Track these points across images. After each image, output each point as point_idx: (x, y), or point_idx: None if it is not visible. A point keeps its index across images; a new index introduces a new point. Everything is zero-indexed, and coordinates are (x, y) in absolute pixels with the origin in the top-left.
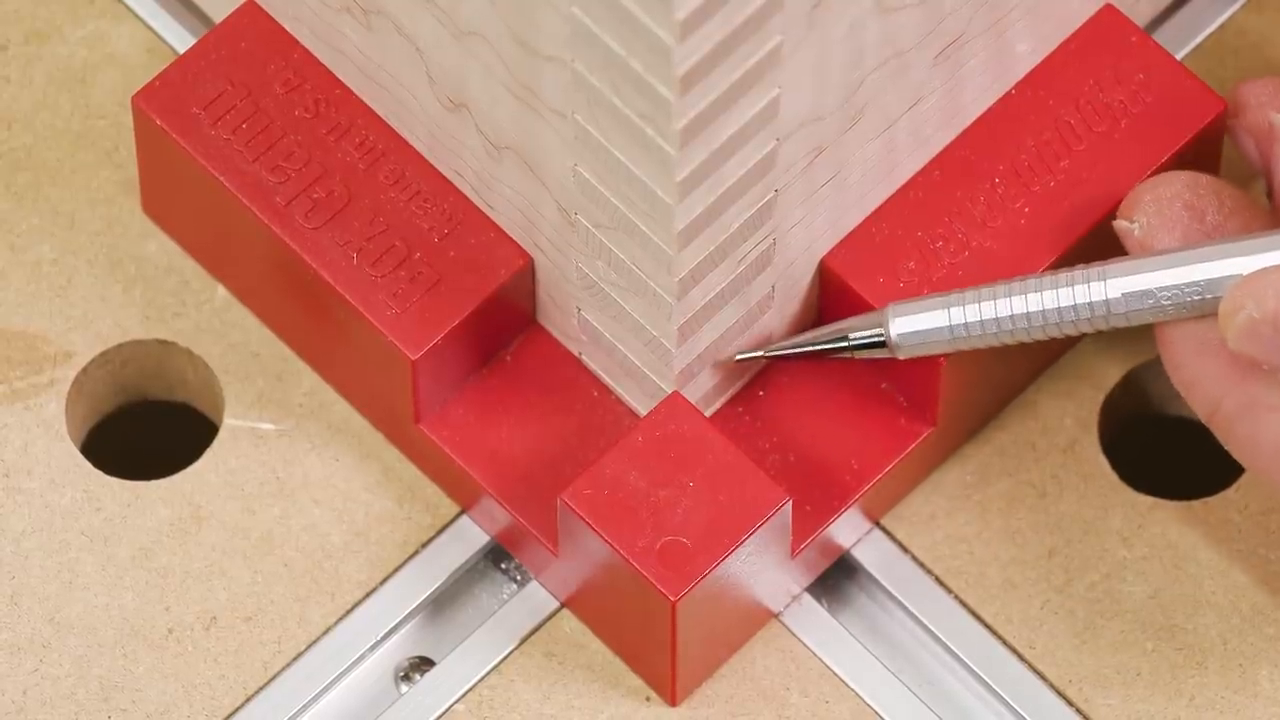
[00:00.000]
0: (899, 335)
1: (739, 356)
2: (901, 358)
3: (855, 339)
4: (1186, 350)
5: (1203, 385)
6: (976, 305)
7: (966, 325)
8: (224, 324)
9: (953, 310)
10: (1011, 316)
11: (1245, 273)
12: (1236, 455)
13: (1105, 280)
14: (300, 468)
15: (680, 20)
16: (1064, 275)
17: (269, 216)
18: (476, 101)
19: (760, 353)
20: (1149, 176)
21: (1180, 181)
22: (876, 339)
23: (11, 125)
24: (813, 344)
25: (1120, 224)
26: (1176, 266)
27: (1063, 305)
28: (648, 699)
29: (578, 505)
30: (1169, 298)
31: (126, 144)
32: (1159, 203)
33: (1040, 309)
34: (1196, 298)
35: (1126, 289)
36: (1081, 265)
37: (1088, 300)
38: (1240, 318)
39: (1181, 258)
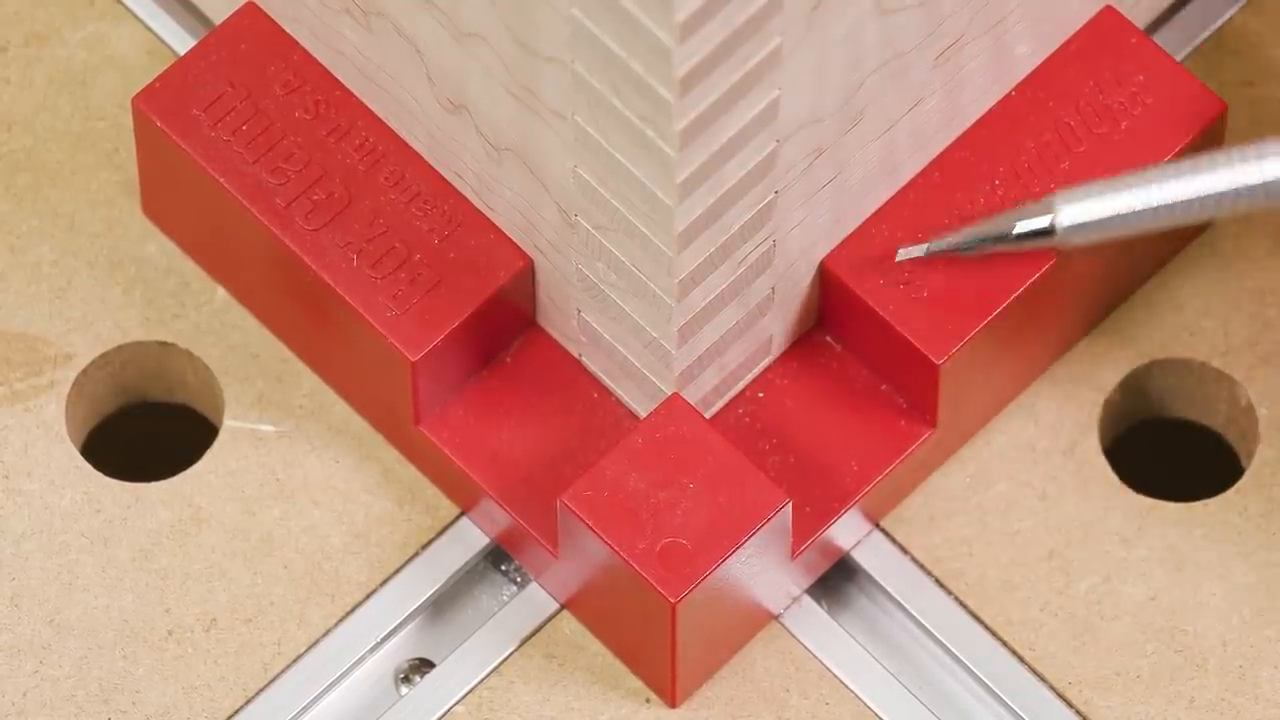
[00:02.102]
0: (1066, 226)
1: (901, 254)
2: (1065, 248)
3: (1021, 230)
4: None
5: None
6: (1143, 190)
7: (1134, 213)
8: (224, 325)
9: (1120, 197)
10: (1172, 205)
11: None
12: None
13: (1262, 161)
14: (300, 469)
15: (680, 22)
16: (1222, 156)
17: (269, 218)
18: (476, 103)
19: (924, 248)
20: None
21: None
22: (1042, 229)
23: (11, 127)
24: (977, 238)
25: None
26: None
27: (1223, 189)
28: (648, 701)
29: (577, 507)
30: None
31: (126, 146)
32: None
33: (1200, 194)
34: None
35: None
36: (1238, 147)
37: (1249, 183)
38: None
39: None
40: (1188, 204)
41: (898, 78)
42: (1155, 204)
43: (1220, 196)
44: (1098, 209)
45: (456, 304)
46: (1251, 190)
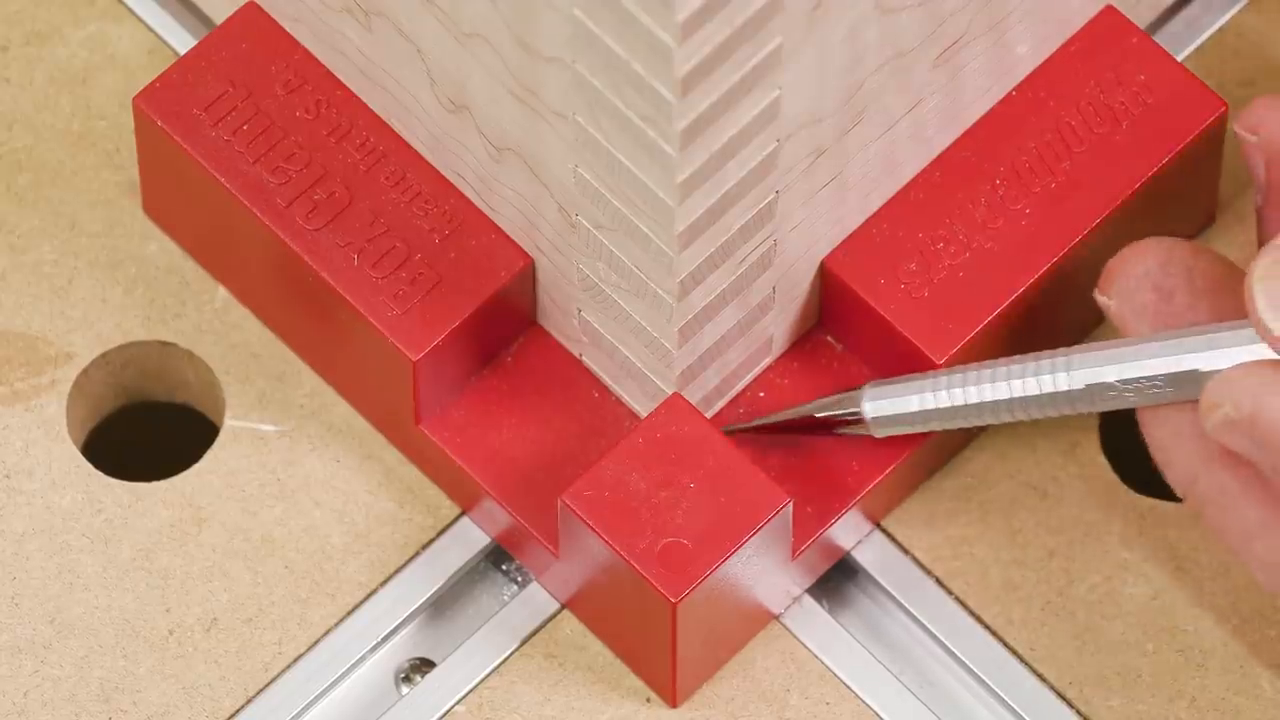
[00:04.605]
0: (874, 418)
1: (725, 429)
2: (878, 436)
3: (836, 415)
4: (1164, 433)
5: (1178, 465)
6: (948, 391)
7: (938, 411)
8: (225, 325)
9: (925, 396)
10: (980, 405)
11: (1207, 368)
12: (1208, 531)
13: (1070, 371)
14: (301, 469)
15: (681, 22)
16: (1030, 364)
17: (270, 218)
18: (478, 103)
19: (749, 425)
20: (1149, 178)
21: (1151, 258)
22: (853, 417)
23: (12, 126)
24: (794, 419)
25: (1098, 297)
26: (1139, 360)
27: (1029, 394)
28: (648, 700)
29: (578, 506)
30: (1131, 390)
31: (127, 145)
32: (1127, 287)
33: (1008, 397)
34: (1158, 389)
35: (1089, 380)
36: (1049, 353)
37: (1052, 390)
38: (1218, 415)
39: (1143, 350)
40: (994, 406)
41: (898, 78)
42: (963, 403)
43: (1026, 401)
44: (902, 404)
45: (457, 304)
46: (1055, 399)
